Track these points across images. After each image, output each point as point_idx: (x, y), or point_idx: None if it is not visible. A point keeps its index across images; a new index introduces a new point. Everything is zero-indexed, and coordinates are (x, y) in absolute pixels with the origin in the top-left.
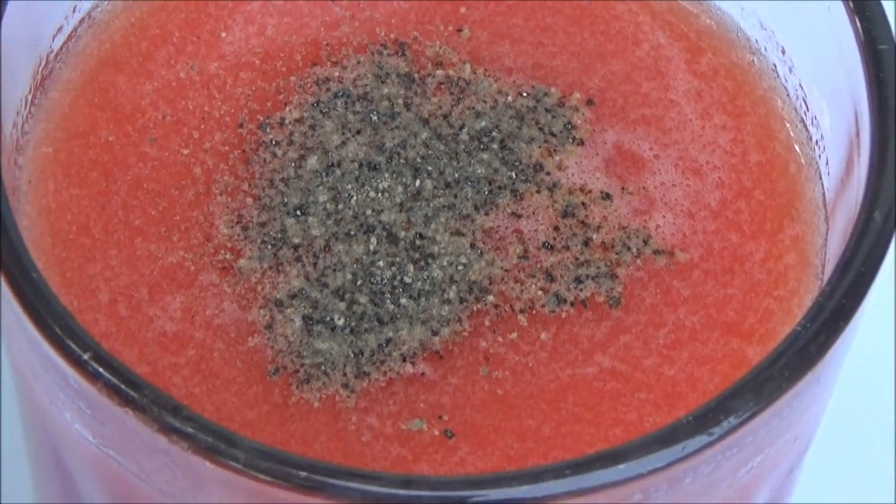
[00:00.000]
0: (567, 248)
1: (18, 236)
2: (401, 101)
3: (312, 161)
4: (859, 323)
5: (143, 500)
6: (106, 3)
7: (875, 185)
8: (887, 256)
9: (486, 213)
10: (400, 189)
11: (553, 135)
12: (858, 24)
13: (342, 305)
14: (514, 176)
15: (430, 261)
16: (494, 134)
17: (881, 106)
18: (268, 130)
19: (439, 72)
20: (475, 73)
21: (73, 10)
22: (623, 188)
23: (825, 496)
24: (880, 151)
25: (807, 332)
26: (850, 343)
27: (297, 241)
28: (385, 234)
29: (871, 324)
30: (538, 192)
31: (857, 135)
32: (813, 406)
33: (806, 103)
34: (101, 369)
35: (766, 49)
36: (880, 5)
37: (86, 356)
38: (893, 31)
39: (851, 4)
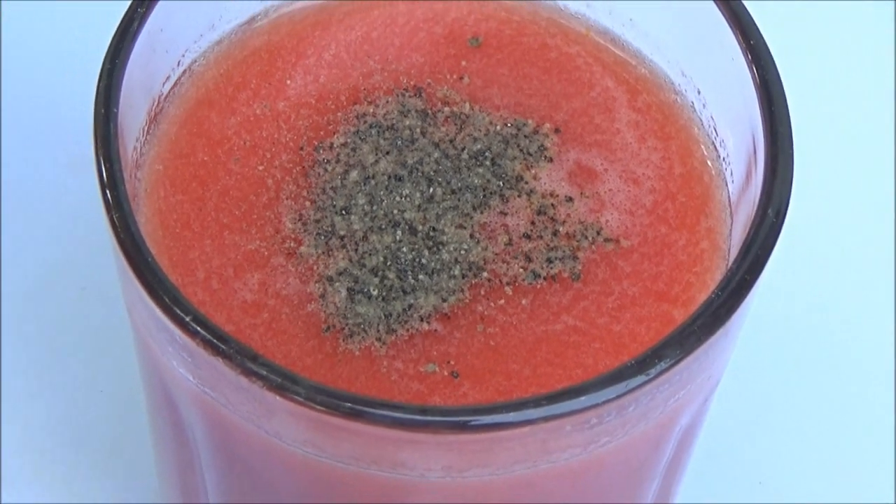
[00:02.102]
0: (540, 237)
1: (137, 231)
2: (418, 130)
3: (354, 174)
4: (756, 292)
5: (230, 424)
6: (202, 58)
7: (768, 190)
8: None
9: (481, 212)
10: (418, 195)
11: (530, 154)
12: (755, 72)
13: (376, 280)
14: (501, 185)
15: (440, 247)
16: (487, 154)
17: (772, 132)
18: (321, 152)
19: (446, 108)
20: (473, 109)
21: (178, 64)
22: (581, 193)
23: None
24: (772, 165)
25: (718, 298)
26: (750, 307)
27: (342, 233)
28: (407, 227)
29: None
30: (519, 196)
31: (755, 153)
32: (722, 353)
33: (716, 130)
34: (199, 329)
35: (686, 90)
36: (772, 58)
37: (188, 319)
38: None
39: (750, 57)
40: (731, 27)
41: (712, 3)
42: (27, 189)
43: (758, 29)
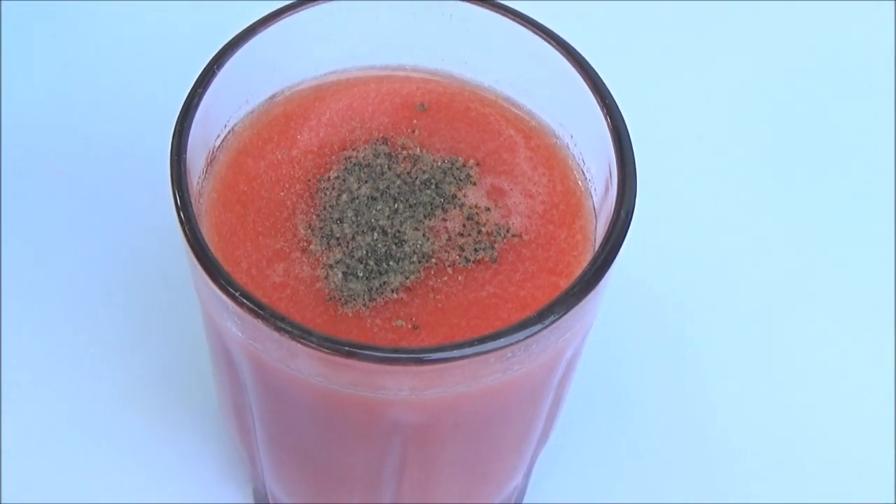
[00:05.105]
0: (470, 234)
1: (202, 237)
2: (386, 166)
3: (344, 197)
4: (615, 268)
5: (266, 364)
6: (240, 122)
7: (620, 199)
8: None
9: (430, 220)
10: (387, 209)
11: (460, 180)
12: (609, 123)
13: (361, 266)
14: (442, 201)
15: (403, 243)
16: (432, 181)
17: (622, 161)
18: (322, 183)
19: (404, 152)
20: (422, 151)
21: (224, 126)
22: (496, 205)
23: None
24: (622, 183)
25: (589, 272)
26: (610, 278)
27: (338, 235)
28: (381, 231)
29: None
30: (454, 208)
31: (610, 175)
32: (593, 308)
33: (584, 161)
34: (245, 301)
35: (563, 136)
36: (621, 114)
37: (237, 294)
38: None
39: (606, 112)
40: (593, 94)
41: (581, 79)
42: (122, 213)
43: (611, 95)
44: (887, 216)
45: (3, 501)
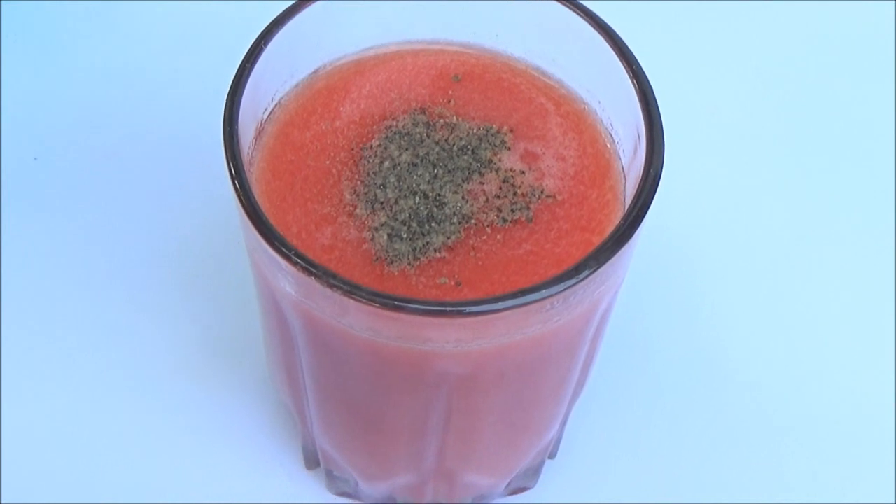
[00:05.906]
0: (506, 196)
1: (256, 203)
2: (425, 133)
3: (386, 163)
4: (644, 226)
5: (318, 320)
6: (286, 96)
7: (649, 160)
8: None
9: (468, 183)
10: (427, 174)
11: (495, 146)
12: (637, 87)
13: (405, 228)
14: (479, 165)
15: (443, 206)
16: (468, 147)
17: (650, 125)
18: (365, 151)
19: (441, 120)
20: (458, 119)
21: (271, 100)
22: (530, 168)
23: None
24: (650, 144)
25: (620, 229)
26: (640, 235)
27: (382, 200)
28: (422, 195)
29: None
30: (490, 172)
31: (639, 139)
32: (625, 263)
33: (612, 125)
34: (298, 260)
35: (591, 102)
36: (648, 79)
37: (290, 254)
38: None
39: (633, 75)
40: (620, 61)
41: (608, 46)
42: (176, 185)
43: (638, 61)
44: None
45: (60, 454)
